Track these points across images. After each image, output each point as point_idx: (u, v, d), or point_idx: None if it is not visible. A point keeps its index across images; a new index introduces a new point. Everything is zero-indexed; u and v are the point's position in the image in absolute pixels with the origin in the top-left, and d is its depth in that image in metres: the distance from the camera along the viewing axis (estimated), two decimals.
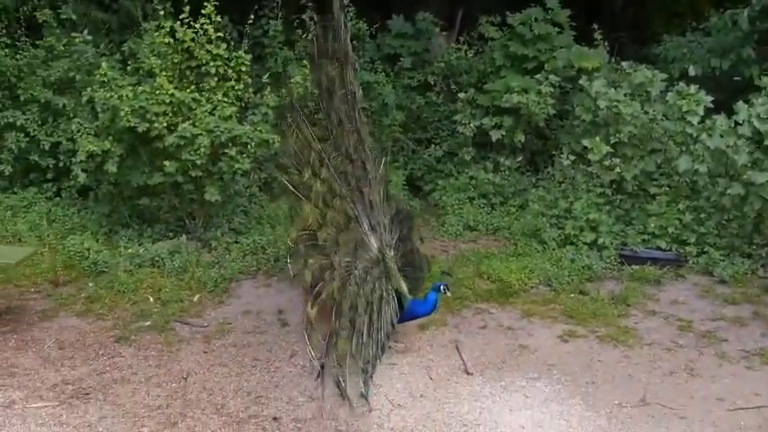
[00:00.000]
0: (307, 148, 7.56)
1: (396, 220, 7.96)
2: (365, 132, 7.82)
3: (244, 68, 10.13)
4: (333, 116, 7.62)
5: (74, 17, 11.35)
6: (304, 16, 12.11)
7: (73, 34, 11.02)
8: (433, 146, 12.22)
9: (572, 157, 10.32)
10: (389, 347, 7.53)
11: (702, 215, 9.72)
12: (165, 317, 8.33)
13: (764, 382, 7.12)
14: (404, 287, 7.46)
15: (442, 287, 7.46)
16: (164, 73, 9.72)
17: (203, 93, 9.83)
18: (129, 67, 10.54)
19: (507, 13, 12.09)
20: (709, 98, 9.85)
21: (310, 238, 7.43)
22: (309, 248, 7.45)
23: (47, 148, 10.92)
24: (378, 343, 7.10)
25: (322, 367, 7.03)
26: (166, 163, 9.41)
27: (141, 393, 6.96)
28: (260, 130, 9.60)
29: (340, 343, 6.84)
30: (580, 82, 10.62)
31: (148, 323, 8.25)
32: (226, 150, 9.48)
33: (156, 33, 10.07)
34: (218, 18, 10.00)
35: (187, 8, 9.88)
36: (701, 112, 9.78)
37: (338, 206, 7.48)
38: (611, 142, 10.07)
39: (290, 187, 7.56)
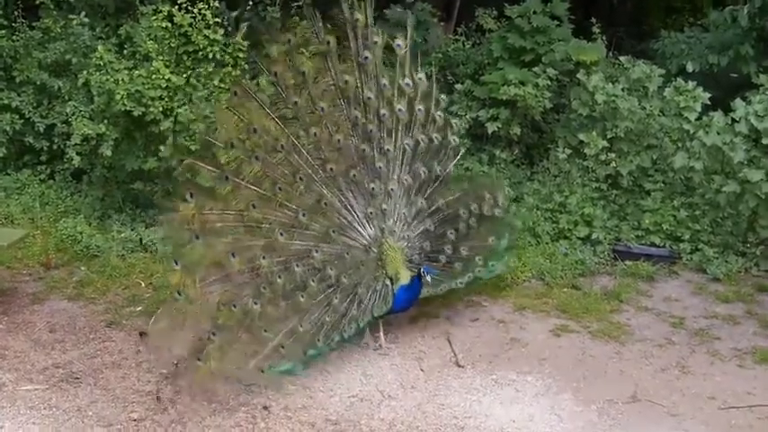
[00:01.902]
0: (250, 133, 7.36)
1: (434, 214, 7.95)
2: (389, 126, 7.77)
3: (241, 55, 10.09)
4: (300, 104, 7.51)
5: None
6: (301, 3, 12.05)
7: (70, 16, 10.97)
8: None
9: (568, 151, 10.31)
10: (377, 342, 7.56)
11: (697, 212, 9.72)
12: (156, 302, 8.29)
13: (756, 380, 7.12)
14: (402, 274, 7.39)
15: (422, 270, 7.31)
16: (160, 57, 9.66)
17: (200, 78, 9.79)
18: (125, 51, 10.50)
19: (505, 4, 12.05)
20: (707, 95, 9.84)
21: (237, 218, 7.20)
22: (230, 228, 7.24)
23: (41, 130, 10.90)
24: (337, 327, 7.14)
25: (141, 334, 7.30)
26: (161, 148, 9.37)
27: (132, 378, 6.94)
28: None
29: (224, 314, 6.74)
30: (578, 76, 10.61)
31: (140, 308, 8.23)
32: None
33: (154, 17, 10.02)
34: (216, 3, 9.96)
35: None
36: (699, 109, 9.78)
37: (303, 190, 7.39)
38: (608, 137, 10.06)
39: (209, 168, 7.20)
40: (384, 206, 7.66)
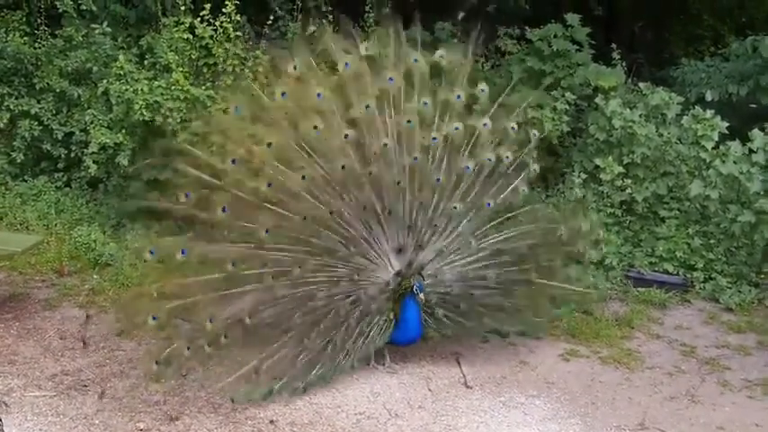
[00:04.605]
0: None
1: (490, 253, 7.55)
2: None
3: (260, 69, 10.14)
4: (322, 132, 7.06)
5: (94, 9, 11.38)
6: (323, 21, 12.11)
7: (92, 26, 11.06)
8: None
9: (583, 176, 10.30)
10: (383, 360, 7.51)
11: (711, 241, 9.68)
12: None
13: (766, 412, 7.04)
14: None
15: (415, 287, 7.05)
16: (180, 69, 9.73)
17: (219, 91, 9.84)
18: (146, 62, 10.57)
19: (526, 27, 12.06)
20: (725, 124, 9.82)
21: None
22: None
23: (59, 137, 10.97)
24: (329, 361, 6.98)
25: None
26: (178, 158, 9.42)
27: (140, 388, 6.93)
28: None
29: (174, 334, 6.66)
30: (596, 101, 10.60)
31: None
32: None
33: (175, 29, 10.11)
34: (238, 17, 10.03)
35: (208, 5, 9.92)
36: (716, 138, 9.75)
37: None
38: (624, 163, 10.04)
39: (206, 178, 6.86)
40: (419, 236, 7.33)
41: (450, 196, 7.47)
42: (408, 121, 7.32)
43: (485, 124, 7.62)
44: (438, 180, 7.42)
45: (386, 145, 7.23)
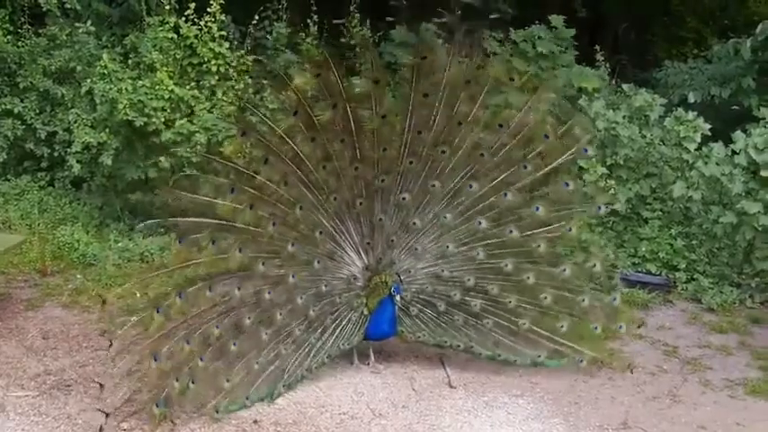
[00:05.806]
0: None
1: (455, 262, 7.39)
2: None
3: (245, 68, 10.15)
4: (319, 140, 6.95)
5: (78, 7, 11.36)
6: (309, 21, 12.10)
7: (76, 25, 11.06)
8: None
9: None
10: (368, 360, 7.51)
11: (694, 242, 9.74)
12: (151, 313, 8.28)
13: (746, 411, 7.08)
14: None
15: (393, 290, 7.04)
16: (165, 68, 9.72)
17: (203, 90, 9.83)
18: (130, 61, 10.56)
19: (511, 29, 12.10)
20: (707, 126, 9.87)
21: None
22: None
23: (43, 136, 10.94)
24: (299, 359, 6.95)
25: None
26: (162, 158, 9.40)
27: (123, 388, 6.91)
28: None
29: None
30: (580, 102, 10.63)
31: (134, 318, 8.20)
32: (221, 149, 9.46)
33: (160, 28, 10.09)
34: (223, 17, 10.02)
35: (192, 5, 9.91)
36: (698, 139, 9.80)
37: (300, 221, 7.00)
38: (607, 164, 10.07)
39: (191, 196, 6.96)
40: (386, 235, 7.25)
41: (440, 202, 7.31)
42: (419, 132, 7.14)
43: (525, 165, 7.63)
44: (433, 186, 7.26)
45: (385, 150, 7.10)
